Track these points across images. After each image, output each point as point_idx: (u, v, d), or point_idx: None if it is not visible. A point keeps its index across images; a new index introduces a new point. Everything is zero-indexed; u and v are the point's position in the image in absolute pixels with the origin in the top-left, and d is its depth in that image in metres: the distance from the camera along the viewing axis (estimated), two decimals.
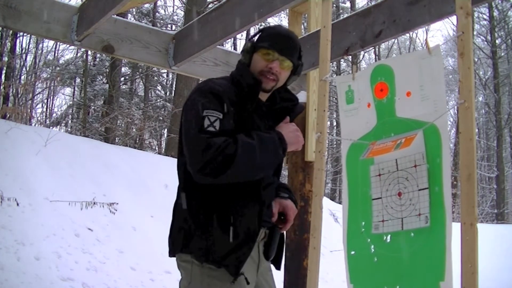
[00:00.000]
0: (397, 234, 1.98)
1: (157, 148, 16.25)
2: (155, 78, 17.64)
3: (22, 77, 14.99)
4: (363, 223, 2.13)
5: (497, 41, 19.32)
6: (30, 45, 15.80)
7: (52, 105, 18.98)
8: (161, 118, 15.68)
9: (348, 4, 19.55)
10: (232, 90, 1.70)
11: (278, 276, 2.95)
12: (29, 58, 16.12)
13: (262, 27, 1.89)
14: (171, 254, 1.71)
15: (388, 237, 2.02)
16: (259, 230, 1.63)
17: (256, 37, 1.79)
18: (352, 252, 2.15)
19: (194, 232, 1.62)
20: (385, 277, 1.99)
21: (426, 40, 2.24)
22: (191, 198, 1.66)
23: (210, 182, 1.57)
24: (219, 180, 1.54)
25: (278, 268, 1.87)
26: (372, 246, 2.06)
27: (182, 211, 1.68)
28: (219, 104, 1.61)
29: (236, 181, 1.57)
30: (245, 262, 1.58)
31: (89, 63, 15.32)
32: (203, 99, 1.62)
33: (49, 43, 16.44)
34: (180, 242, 1.66)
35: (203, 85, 1.70)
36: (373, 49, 19.39)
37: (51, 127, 13.76)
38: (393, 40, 17.20)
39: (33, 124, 13.32)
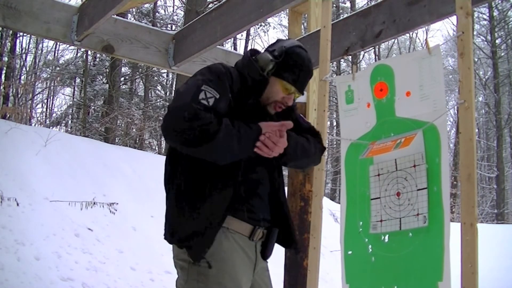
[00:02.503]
0: (395, 234, 1.98)
1: (157, 148, 16.26)
2: (155, 78, 17.64)
3: (22, 77, 15.01)
4: (361, 223, 2.13)
5: (497, 41, 19.30)
6: (30, 45, 15.84)
7: (52, 105, 19.01)
8: (161, 118, 15.67)
9: (348, 4, 19.54)
10: (239, 80, 1.72)
11: (278, 276, 2.95)
12: (29, 58, 16.16)
13: (287, 45, 1.76)
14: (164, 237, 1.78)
15: (386, 237, 2.02)
16: (225, 217, 1.62)
17: (281, 60, 1.72)
18: (349, 252, 2.16)
19: (168, 215, 1.68)
20: (382, 277, 1.99)
21: (426, 40, 2.24)
22: (173, 187, 1.70)
23: (176, 147, 1.60)
24: (186, 149, 1.57)
25: (291, 247, 1.85)
26: (370, 246, 2.06)
27: (168, 197, 1.73)
28: (221, 86, 1.63)
29: (200, 157, 1.58)
30: (208, 247, 1.58)
31: (89, 63, 15.33)
32: (207, 76, 1.65)
33: (49, 43, 16.48)
34: (165, 229, 1.71)
35: (213, 65, 1.73)
36: (373, 49, 19.39)
37: (51, 127, 13.77)
38: (393, 40, 17.19)
39: (33, 124, 13.32)
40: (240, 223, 1.66)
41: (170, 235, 1.65)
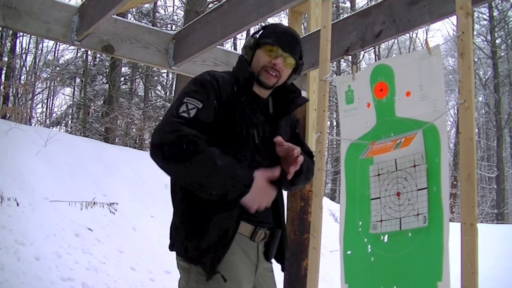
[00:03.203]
0: (395, 234, 1.98)
1: None
2: (155, 78, 17.64)
3: (22, 77, 15.01)
4: (361, 223, 2.13)
5: (497, 41, 19.31)
6: (30, 45, 15.84)
7: (52, 105, 19.01)
8: (161, 118, 15.67)
9: (348, 4, 19.54)
10: (229, 83, 1.72)
11: (278, 276, 2.95)
12: (29, 58, 16.16)
13: (264, 25, 1.89)
14: (169, 248, 1.76)
15: (386, 237, 2.02)
16: (235, 233, 1.61)
17: (259, 34, 1.80)
18: (349, 252, 2.15)
19: (177, 230, 1.67)
20: (381, 277, 1.99)
21: (426, 40, 2.24)
22: (178, 198, 1.69)
23: (157, 163, 1.57)
24: (163, 166, 1.53)
25: (282, 269, 1.87)
26: (369, 246, 2.06)
27: (174, 210, 1.72)
28: (204, 94, 1.63)
29: (176, 177, 1.58)
30: (220, 261, 1.57)
31: (89, 63, 15.33)
32: (191, 87, 1.66)
33: (49, 43, 16.48)
34: (171, 239, 1.71)
35: (199, 75, 1.74)
36: (373, 49, 19.39)
37: (51, 127, 13.77)
38: (393, 40, 17.20)
39: (33, 124, 13.33)
40: (241, 224, 1.65)
41: (184, 252, 1.63)
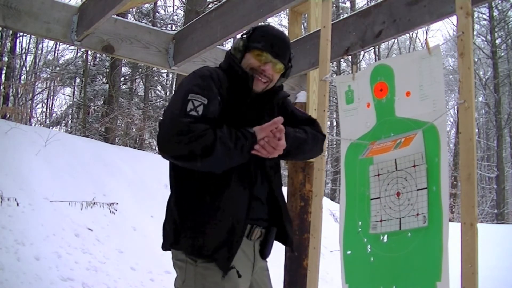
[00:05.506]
0: (394, 234, 1.98)
1: (157, 148, 16.23)
2: (155, 78, 17.63)
3: (22, 77, 15.01)
4: (360, 223, 2.13)
5: (497, 41, 19.32)
6: (30, 45, 15.83)
7: (52, 105, 19.00)
8: (161, 119, 15.64)
9: (348, 4, 19.54)
10: (225, 79, 1.72)
11: (278, 276, 2.95)
12: (29, 58, 16.15)
13: (255, 26, 1.87)
14: (163, 248, 1.74)
15: (385, 237, 2.02)
16: (246, 224, 1.63)
17: (248, 35, 1.78)
18: (348, 252, 2.16)
19: (183, 228, 1.64)
20: (381, 277, 1.99)
21: (426, 40, 2.24)
22: (181, 195, 1.68)
23: (175, 162, 1.61)
24: (187, 164, 1.56)
25: (287, 244, 1.83)
26: (369, 246, 2.06)
27: (172, 207, 1.70)
28: (207, 89, 1.62)
29: (201, 170, 1.57)
30: (234, 256, 1.58)
31: (89, 63, 15.32)
32: (192, 82, 1.64)
33: (49, 43, 16.47)
34: (172, 237, 1.67)
35: (196, 70, 1.73)
36: (373, 49, 19.38)
37: (51, 127, 13.77)
38: (393, 40, 17.20)
39: (33, 124, 13.32)
40: None
41: (195, 252, 1.60)
